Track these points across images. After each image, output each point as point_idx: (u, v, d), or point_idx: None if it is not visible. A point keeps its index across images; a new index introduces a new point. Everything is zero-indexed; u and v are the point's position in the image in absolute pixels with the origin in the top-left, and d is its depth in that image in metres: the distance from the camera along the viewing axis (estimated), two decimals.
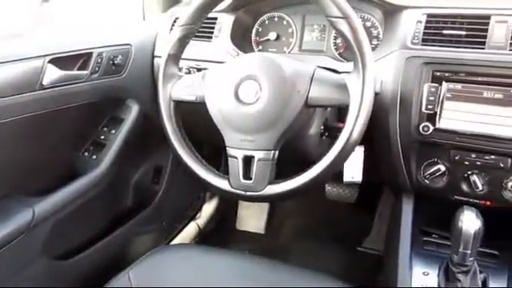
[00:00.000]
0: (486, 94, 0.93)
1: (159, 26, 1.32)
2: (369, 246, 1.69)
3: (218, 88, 0.88)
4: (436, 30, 0.99)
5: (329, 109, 1.06)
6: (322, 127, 1.04)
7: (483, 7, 0.97)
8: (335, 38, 1.20)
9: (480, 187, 0.98)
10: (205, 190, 1.83)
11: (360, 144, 0.82)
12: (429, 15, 1.00)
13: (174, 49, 0.93)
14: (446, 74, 0.96)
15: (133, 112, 1.27)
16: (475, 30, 0.95)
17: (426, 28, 1.00)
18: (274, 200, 1.51)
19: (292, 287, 0.92)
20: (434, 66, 0.97)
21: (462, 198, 1.04)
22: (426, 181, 1.05)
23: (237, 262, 1.01)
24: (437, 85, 0.96)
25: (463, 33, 0.96)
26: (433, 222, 1.16)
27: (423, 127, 0.97)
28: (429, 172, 1.03)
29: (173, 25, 1.28)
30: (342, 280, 0.93)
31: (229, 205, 1.91)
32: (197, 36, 1.03)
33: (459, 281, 0.91)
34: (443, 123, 0.97)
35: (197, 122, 0.94)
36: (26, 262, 1.06)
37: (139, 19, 1.43)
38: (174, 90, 0.93)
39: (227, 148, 0.86)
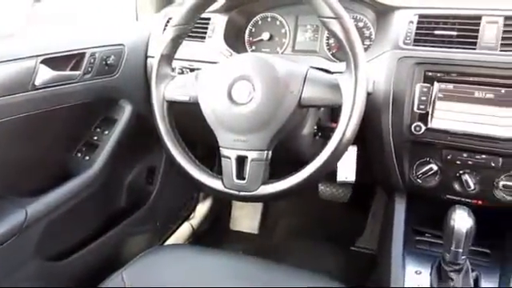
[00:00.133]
0: (477, 94, 0.94)
1: (152, 26, 1.32)
2: (362, 245, 1.69)
3: (212, 88, 0.88)
4: (428, 30, 1.00)
5: (322, 109, 1.06)
6: (315, 127, 1.04)
7: (474, 8, 0.97)
8: (328, 39, 1.20)
9: (472, 186, 0.99)
10: (198, 190, 1.83)
11: (353, 144, 0.83)
12: (420, 16, 1.01)
13: (167, 49, 0.93)
14: (438, 74, 0.96)
15: (126, 112, 1.27)
16: (466, 30, 0.96)
17: (417, 28, 1.00)
18: (267, 200, 1.52)
19: (286, 287, 0.92)
20: (426, 66, 0.97)
21: (454, 198, 1.05)
22: (419, 180, 1.06)
23: (231, 262, 1.01)
24: (429, 85, 0.97)
25: (454, 33, 0.97)
26: (425, 221, 1.17)
27: (415, 127, 0.98)
28: (421, 171, 1.04)
29: (166, 25, 1.28)
30: (335, 279, 0.94)
31: (222, 205, 1.91)
32: (190, 36, 1.04)
33: (451, 279, 0.92)
34: (435, 123, 0.97)
35: (190, 123, 0.94)
36: (18, 263, 1.06)
37: (132, 19, 1.43)
38: (167, 90, 0.93)
39: (220, 148, 0.86)
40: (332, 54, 1.20)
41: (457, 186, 1.03)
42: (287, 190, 0.83)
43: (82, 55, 1.10)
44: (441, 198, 1.07)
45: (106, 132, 1.25)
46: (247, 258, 1.02)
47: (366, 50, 1.04)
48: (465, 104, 0.95)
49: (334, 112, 1.10)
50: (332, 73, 0.86)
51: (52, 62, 1.02)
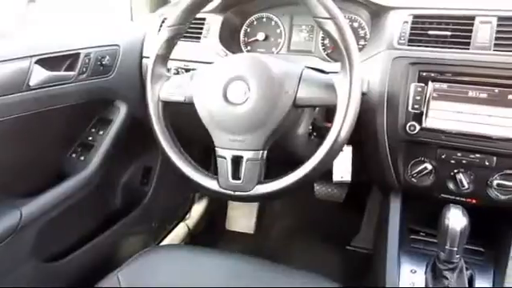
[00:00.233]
0: (471, 94, 0.94)
1: (147, 26, 1.32)
2: (358, 244, 1.70)
3: (207, 88, 0.88)
4: (422, 30, 1.00)
5: (317, 109, 1.06)
6: (311, 127, 1.05)
7: (468, 8, 0.98)
8: (323, 39, 1.21)
9: (466, 185, 1.00)
10: (194, 190, 1.82)
11: (348, 144, 0.83)
12: (415, 16, 1.01)
13: (162, 49, 0.93)
14: (432, 74, 0.97)
15: (121, 113, 1.27)
16: (460, 30, 0.96)
17: (412, 29, 1.01)
18: (262, 200, 1.52)
19: (282, 287, 0.92)
20: (420, 66, 0.98)
21: (448, 197, 1.05)
22: (414, 179, 1.06)
23: (227, 262, 1.01)
24: (423, 85, 0.97)
25: (448, 33, 0.97)
26: (420, 221, 1.18)
27: (410, 126, 0.98)
28: (416, 171, 1.05)
29: (161, 25, 1.28)
30: (331, 279, 0.94)
31: (218, 205, 1.91)
32: (185, 36, 1.04)
33: (446, 278, 0.92)
34: (429, 122, 0.98)
35: (186, 123, 0.94)
36: (13, 264, 1.05)
37: (127, 20, 1.43)
38: (163, 90, 0.93)
39: (216, 148, 0.86)
40: (327, 54, 1.20)
41: (451, 185, 1.03)
42: (283, 190, 0.83)
43: (76, 55, 1.10)
44: (435, 197, 1.07)
45: (101, 132, 1.25)
46: (243, 258, 1.02)
47: (360, 50, 1.05)
48: (459, 104, 0.95)
49: (329, 112, 1.10)
50: (327, 73, 0.87)
51: (46, 62, 1.02)
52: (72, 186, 1.17)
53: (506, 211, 1.05)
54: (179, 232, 1.77)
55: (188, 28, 0.93)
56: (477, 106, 0.94)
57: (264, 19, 1.26)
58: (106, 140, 1.24)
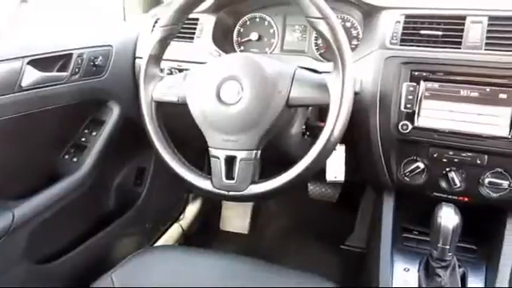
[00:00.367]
0: (462, 93, 0.95)
1: (140, 26, 1.32)
2: (352, 243, 1.70)
3: (200, 88, 0.88)
4: (414, 30, 1.01)
5: (310, 108, 1.06)
6: (304, 127, 1.05)
7: (459, 8, 0.99)
8: (316, 39, 1.21)
9: (458, 184, 1.01)
10: (188, 191, 1.82)
11: (341, 143, 0.83)
12: (407, 16, 1.02)
13: (155, 50, 0.92)
14: (424, 74, 0.97)
15: (114, 114, 1.26)
16: (451, 30, 0.97)
17: (404, 28, 1.01)
18: (256, 199, 1.52)
19: (277, 287, 0.92)
20: (412, 65, 0.99)
21: (440, 195, 1.06)
22: (406, 178, 1.07)
23: (221, 262, 1.01)
24: (415, 84, 0.98)
25: (440, 33, 0.98)
26: (413, 219, 1.18)
27: (402, 126, 0.99)
28: (408, 169, 1.05)
29: (154, 26, 1.28)
30: (326, 278, 0.94)
31: (212, 205, 1.91)
32: (178, 37, 1.03)
33: (439, 276, 0.93)
34: (422, 122, 0.98)
35: (179, 123, 0.94)
36: (5, 266, 1.05)
37: (120, 20, 1.42)
38: (156, 90, 0.93)
39: (209, 148, 0.86)
40: (320, 54, 1.21)
41: (443, 184, 1.04)
42: (276, 190, 0.83)
43: (69, 56, 1.09)
44: (428, 195, 1.08)
45: (94, 133, 1.24)
46: (237, 258, 1.02)
47: (353, 49, 1.05)
48: (451, 103, 0.96)
49: (322, 111, 1.10)
50: (320, 72, 0.87)
51: (39, 62, 1.01)
52: (65, 187, 1.17)
53: (498, 209, 1.06)
54: (173, 233, 1.76)
55: (181, 28, 0.93)
56: (468, 104, 0.95)
57: (257, 19, 1.26)
58: (99, 141, 1.24)
